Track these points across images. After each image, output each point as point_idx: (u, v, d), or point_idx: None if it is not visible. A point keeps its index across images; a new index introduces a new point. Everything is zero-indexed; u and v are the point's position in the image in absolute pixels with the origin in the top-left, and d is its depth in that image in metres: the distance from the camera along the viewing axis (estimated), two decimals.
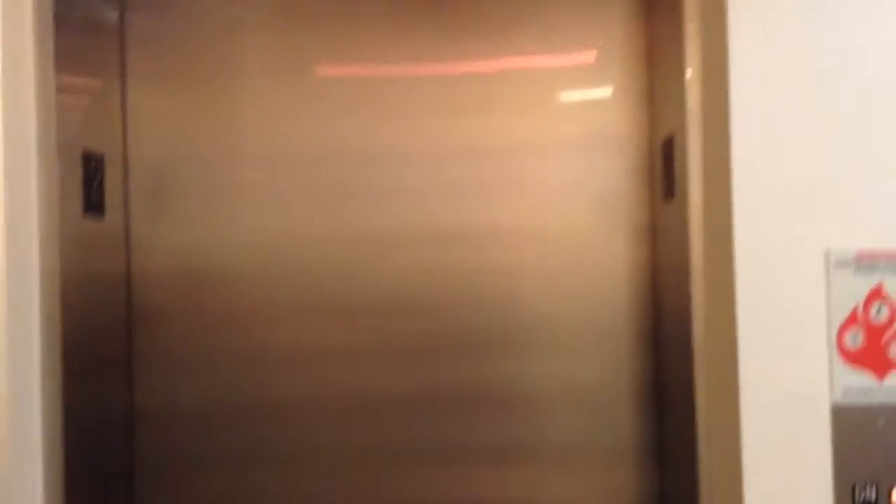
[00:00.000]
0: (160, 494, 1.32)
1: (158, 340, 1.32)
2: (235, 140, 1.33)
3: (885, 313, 0.99)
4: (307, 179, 1.33)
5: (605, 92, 1.34)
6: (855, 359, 0.99)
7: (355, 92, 1.34)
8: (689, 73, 1.11)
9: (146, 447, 1.32)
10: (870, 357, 0.99)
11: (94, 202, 1.22)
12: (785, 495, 0.98)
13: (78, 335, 1.15)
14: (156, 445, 1.32)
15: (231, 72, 1.33)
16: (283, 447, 1.32)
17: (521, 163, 1.33)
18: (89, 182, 1.20)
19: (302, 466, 1.32)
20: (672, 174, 1.17)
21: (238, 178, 1.33)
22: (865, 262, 0.98)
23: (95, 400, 1.21)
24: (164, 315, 1.32)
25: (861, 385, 0.99)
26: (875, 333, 0.99)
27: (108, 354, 1.28)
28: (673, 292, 1.19)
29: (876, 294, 0.99)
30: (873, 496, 0.98)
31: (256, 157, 1.33)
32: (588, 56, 1.34)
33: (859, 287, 0.98)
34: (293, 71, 1.33)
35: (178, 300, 1.32)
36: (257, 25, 1.34)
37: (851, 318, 0.99)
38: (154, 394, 1.32)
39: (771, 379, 0.98)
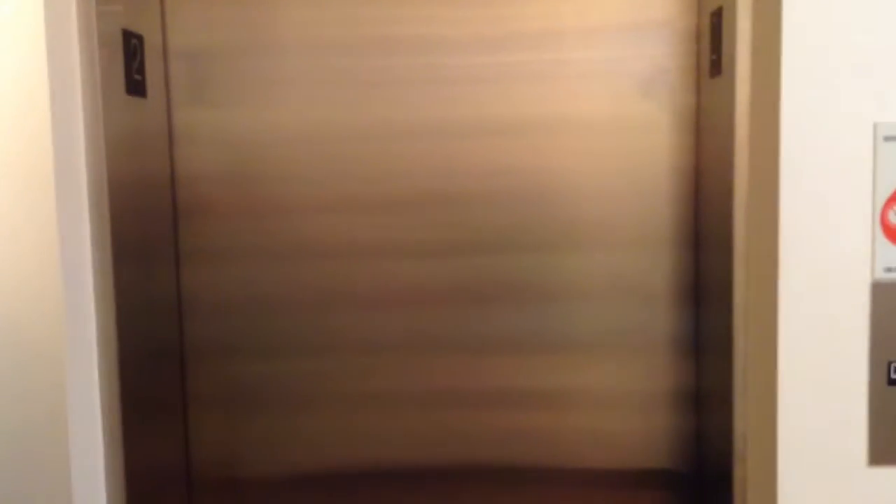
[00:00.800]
0: (208, 375, 1.36)
1: (202, 230, 1.34)
2: (274, 28, 1.31)
3: None
4: (345, 68, 1.31)
5: None
6: None
7: None
8: None
9: (194, 332, 1.36)
10: None
11: (135, 82, 1.22)
12: (820, 373, 0.98)
13: (125, 214, 1.17)
14: (203, 331, 1.36)
15: None
16: (321, 337, 1.35)
17: (560, 48, 1.30)
18: (130, 61, 1.21)
19: (337, 356, 1.35)
20: (720, 49, 1.13)
21: (277, 66, 1.32)
22: None
23: (144, 285, 1.25)
24: (206, 206, 1.34)
25: None
26: None
27: (155, 241, 1.30)
28: (716, 171, 1.17)
29: None
30: None
31: (297, 46, 1.31)
32: None
33: None
34: None
35: (221, 191, 1.33)
36: None
37: None
38: (200, 283, 1.35)
39: (811, 255, 0.97)
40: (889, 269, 0.97)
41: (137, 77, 1.23)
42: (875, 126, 0.96)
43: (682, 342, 1.31)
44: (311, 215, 1.33)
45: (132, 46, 1.22)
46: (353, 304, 1.34)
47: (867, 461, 0.98)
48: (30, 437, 1.08)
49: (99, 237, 1.12)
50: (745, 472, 1.09)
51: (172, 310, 1.35)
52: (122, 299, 1.15)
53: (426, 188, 1.32)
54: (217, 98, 1.32)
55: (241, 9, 1.32)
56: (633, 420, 1.33)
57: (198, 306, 1.36)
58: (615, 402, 1.33)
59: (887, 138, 0.95)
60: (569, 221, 1.31)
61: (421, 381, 1.35)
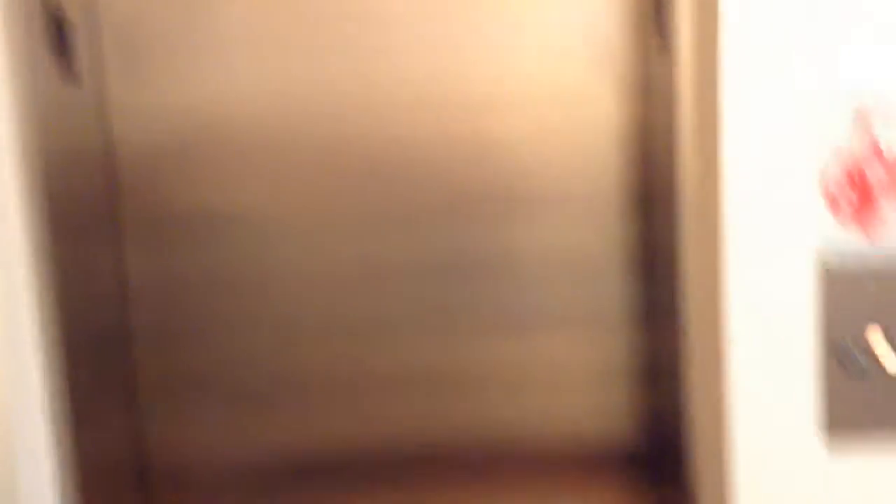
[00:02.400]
0: (156, 361, 1.32)
1: (145, 207, 1.30)
2: None
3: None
4: (293, 25, 1.26)
5: None
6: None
7: None
8: None
9: (141, 315, 1.31)
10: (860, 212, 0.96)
11: (67, 68, 1.17)
12: (768, 354, 0.98)
13: (63, 204, 1.13)
14: (151, 313, 1.31)
15: None
16: (280, 316, 1.32)
17: (509, 18, 1.27)
18: (59, 41, 1.16)
19: (299, 335, 1.32)
20: (664, 23, 1.12)
21: (219, 30, 1.26)
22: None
23: (86, 267, 1.21)
24: (149, 182, 1.29)
25: (850, 242, 0.96)
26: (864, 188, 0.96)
27: (94, 221, 1.26)
28: (662, 147, 1.16)
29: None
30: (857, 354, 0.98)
31: (238, 6, 1.26)
32: None
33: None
34: None
35: (163, 166, 1.29)
36: None
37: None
38: (145, 262, 1.30)
39: (757, 233, 0.96)
40: (837, 252, 0.96)
41: (66, 57, 1.18)
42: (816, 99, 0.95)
43: (632, 315, 1.30)
44: (257, 186, 1.29)
45: (59, 23, 1.16)
46: (304, 280, 1.31)
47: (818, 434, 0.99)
48: None
49: (34, 222, 1.08)
50: (697, 448, 1.09)
51: (116, 292, 1.30)
52: (63, 283, 1.12)
53: (377, 157, 1.29)
54: (154, 69, 1.26)
55: None
56: (587, 396, 1.32)
57: (143, 288, 1.30)
58: (568, 379, 1.32)
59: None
60: (515, 193, 1.29)
61: (370, 363, 1.33)
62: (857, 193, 0.96)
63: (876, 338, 0.97)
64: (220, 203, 1.30)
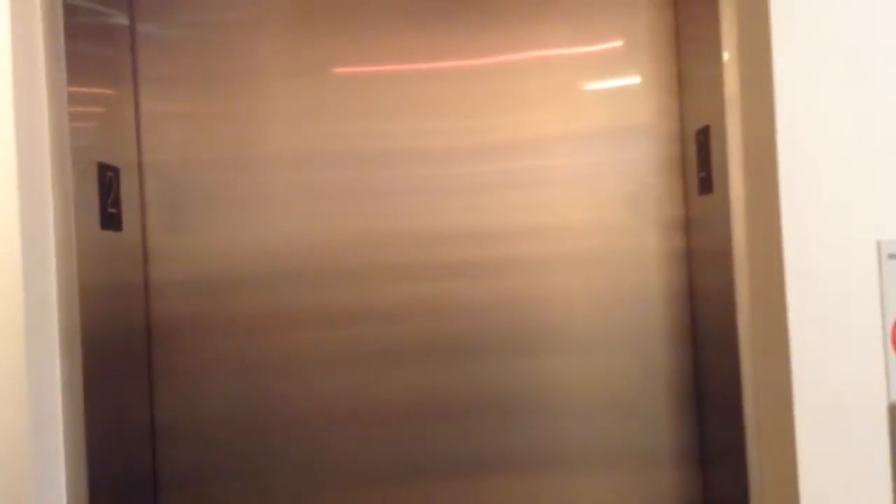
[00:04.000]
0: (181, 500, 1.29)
1: (178, 350, 1.30)
2: (251, 144, 1.30)
3: None
4: (326, 181, 1.29)
5: (632, 80, 1.29)
6: None
7: (374, 90, 1.30)
8: (726, 55, 1.05)
9: (168, 457, 1.30)
10: None
11: (110, 215, 1.18)
12: (844, 496, 0.94)
13: (97, 348, 1.12)
14: (177, 455, 1.30)
15: (246, 74, 1.30)
16: (305, 455, 1.29)
17: (546, 157, 1.29)
18: (105, 195, 1.17)
19: (324, 476, 1.29)
20: (709, 166, 1.12)
21: (255, 181, 1.30)
22: None
23: (117, 411, 1.19)
24: (184, 325, 1.30)
25: None
26: None
27: (129, 368, 1.25)
28: (714, 288, 1.15)
29: None
30: None
31: (274, 160, 1.30)
32: (614, 43, 1.30)
33: None
34: (309, 71, 1.30)
35: (198, 308, 1.30)
36: (272, 26, 1.30)
37: None
38: (174, 404, 1.30)
39: (824, 377, 0.94)
40: None
41: (112, 210, 1.19)
42: (879, 244, 0.94)
43: (682, 453, 1.27)
44: (291, 329, 1.29)
45: (108, 179, 1.18)
46: (337, 420, 1.29)
47: None
48: None
49: (69, 359, 1.06)
50: None
51: (144, 431, 1.28)
52: (93, 430, 1.09)
53: (409, 297, 1.29)
54: (194, 219, 1.30)
55: (218, 127, 1.30)
56: None
57: (171, 427, 1.30)
58: None
59: (892, 255, 0.93)
60: (561, 327, 1.28)
61: (401, 502, 1.29)
62: None
63: None
64: (250, 347, 1.29)
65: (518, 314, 1.28)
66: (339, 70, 1.31)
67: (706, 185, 1.14)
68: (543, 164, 1.30)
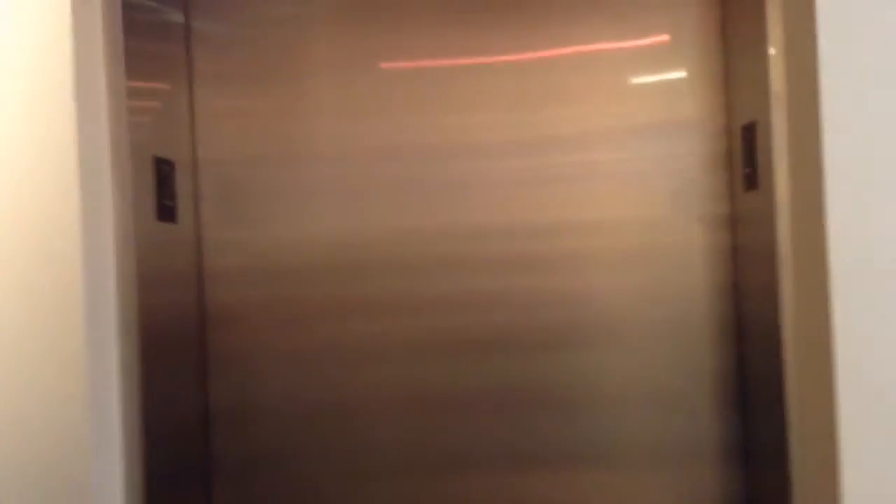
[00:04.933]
0: (237, 493, 1.33)
1: (231, 338, 1.33)
2: (303, 138, 1.32)
3: None
4: (376, 175, 1.31)
5: (678, 75, 1.29)
6: None
7: (424, 85, 1.32)
8: (772, 51, 1.05)
9: (223, 445, 1.32)
10: None
11: (166, 208, 1.22)
12: (886, 497, 0.93)
13: (155, 338, 1.15)
14: (232, 443, 1.32)
15: (296, 70, 1.32)
16: (354, 443, 1.31)
17: (591, 152, 1.30)
18: (161, 188, 1.21)
19: (372, 465, 1.31)
20: (754, 163, 1.12)
21: (306, 176, 1.32)
22: None
23: (172, 401, 1.22)
24: (237, 315, 1.33)
25: None
26: None
27: (184, 356, 1.28)
28: (758, 285, 1.14)
29: None
30: None
31: (324, 155, 1.32)
32: (661, 38, 1.29)
33: None
34: (360, 66, 1.32)
35: (250, 298, 1.32)
36: (321, 22, 1.32)
37: None
38: (229, 393, 1.32)
39: (868, 372, 0.93)
40: None
41: (168, 203, 1.23)
42: None
43: (726, 451, 1.26)
44: (340, 319, 1.31)
45: (163, 173, 1.22)
46: (385, 410, 1.31)
47: None
48: None
49: (126, 348, 1.09)
50: None
51: (199, 419, 1.31)
52: (149, 416, 1.12)
53: (456, 291, 1.30)
54: (247, 212, 1.32)
55: (270, 121, 1.33)
56: None
57: (225, 415, 1.33)
58: None
59: None
60: (604, 322, 1.29)
61: (447, 494, 1.31)
62: None
63: None
64: (300, 336, 1.32)
65: (565, 309, 1.29)
66: (385, 65, 1.33)
67: (751, 181, 1.14)
68: (589, 159, 1.30)
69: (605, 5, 1.29)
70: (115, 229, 1.08)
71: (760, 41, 1.07)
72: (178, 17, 1.31)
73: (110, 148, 1.08)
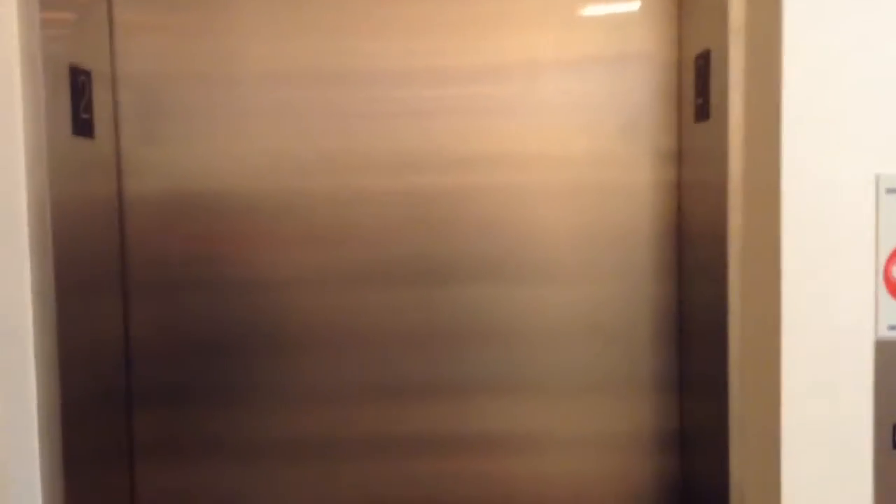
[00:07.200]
0: (158, 424, 1.28)
1: (152, 265, 1.27)
2: (227, 57, 1.25)
3: None
4: (305, 99, 1.25)
5: (630, 6, 1.25)
6: None
7: (360, 7, 1.25)
8: None
9: (142, 373, 1.27)
10: None
11: (82, 121, 1.13)
12: (822, 434, 0.94)
13: (69, 260, 1.08)
14: (153, 375, 1.27)
15: None
16: (279, 375, 1.28)
17: (536, 82, 1.26)
18: (77, 99, 1.12)
19: (297, 397, 1.28)
20: (707, 93, 1.09)
21: (229, 96, 1.25)
22: None
23: (89, 325, 1.16)
24: (158, 241, 1.26)
25: None
26: None
27: (101, 281, 1.21)
28: (705, 219, 1.13)
29: None
30: None
31: (250, 77, 1.25)
32: None
33: None
34: None
35: (173, 223, 1.26)
36: None
37: None
38: (149, 319, 1.27)
39: (813, 311, 0.93)
40: (893, 328, 0.93)
41: (85, 116, 1.14)
42: (878, 177, 0.92)
43: (663, 382, 1.27)
44: (267, 248, 1.26)
45: (80, 83, 1.13)
46: (313, 342, 1.27)
47: None
48: None
49: (40, 271, 1.03)
50: None
51: (119, 350, 1.26)
52: (65, 341, 1.06)
53: (389, 221, 1.26)
54: (169, 131, 1.25)
55: (193, 40, 1.25)
56: (613, 464, 1.28)
57: (146, 345, 1.27)
58: (594, 445, 1.29)
59: (890, 190, 0.92)
60: (544, 256, 1.26)
61: (381, 427, 1.28)
62: None
63: None
64: (225, 264, 1.26)
65: (503, 243, 1.26)
66: None
67: (703, 112, 1.11)
68: (534, 89, 1.26)
69: None
70: (27, 142, 1.00)
71: None
72: None
73: (20, 55, 1.00)
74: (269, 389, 1.28)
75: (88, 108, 1.16)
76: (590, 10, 1.27)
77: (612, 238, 1.27)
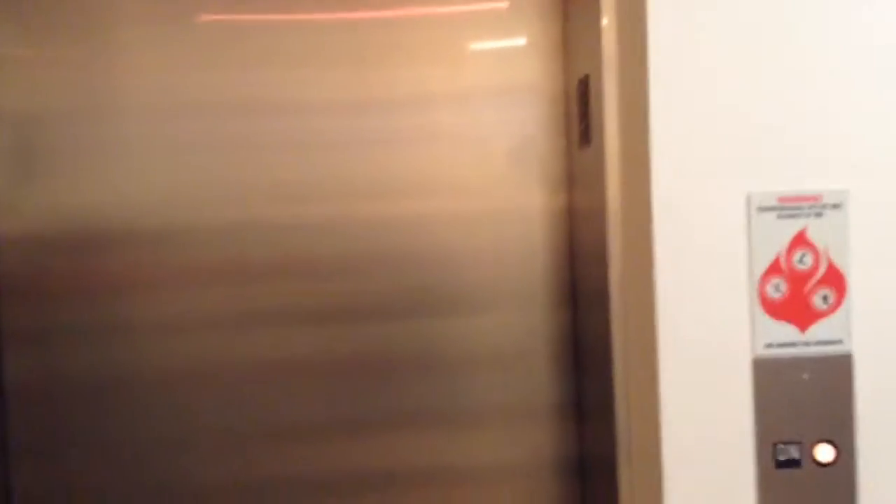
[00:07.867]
0: (33, 473, 1.22)
1: (29, 312, 1.21)
2: (112, 92, 1.22)
3: (808, 261, 0.94)
4: (192, 132, 1.22)
5: (517, 41, 1.27)
6: (777, 309, 0.94)
7: (250, 40, 1.24)
8: (605, 21, 1.03)
9: (17, 424, 1.21)
10: (793, 307, 0.94)
11: None
12: (704, 454, 0.93)
13: None
14: (27, 422, 1.22)
15: (97, 20, 1.21)
16: (175, 422, 1.24)
17: (430, 114, 1.26)
18: None
19: (191, 438, 1.24)
20: (588, 117, 1.10)
21: (115, 133, 1.22)
22: (788, 206, 0.93)
23: None
24: (34, 283, 1.21)
25: (784, 337, 0.94)
26: (798, 282, 0.94)
27: None
28: (590, 244, 1.13)
29: (799, 240, 0.94)
30: (796, 455, 0.93)
31: (137, 112, 1.22)
32: (499, 4, 1.27)
33: (782, 233, 0.93)
34: (174, 16, 1.22)
35: (51, 266, 1.21)
36: None
37: (774, 267, 0.93)
38: (25, 370, 1.21)
39: (690, 332, 0.93)
40: (770, 345, 0.93)
41: None
42: (748, 197, 0.93)
43: (562, 408, 1.27)
44: (153, 288, 1.22)
45: None
46: (209, 383, 1.23)
47: None
48: None
49: None
50: None
51: None
52: None
53: (285, 255, 1.24)
54: (47, 168, 1.21)
55: (76, 74, 1.22)
56: (515, 493, 1.28)
57: (22, 394, 1.21)
58: (499, 475, 1.27)
59: (761, 209, 0.93)
60: (443, 285, 1.26)
61: (289, 467, 1.25)
62: (788, 286, 0.93)
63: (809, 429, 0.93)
64: (107, 308, 1.22)
65: (400, 273, 1.25)
66: (209, 17, 1.24)
67: (585, 137, 1.12)
68: (427, 121, 1.27)
69: None
70: None
71: (595, 11, 1.06)
72: None
73: None
74: (157, 431, 1.23)
75: None
76: (479, 45, 1.28)
77: (509, 266, 1.27)
